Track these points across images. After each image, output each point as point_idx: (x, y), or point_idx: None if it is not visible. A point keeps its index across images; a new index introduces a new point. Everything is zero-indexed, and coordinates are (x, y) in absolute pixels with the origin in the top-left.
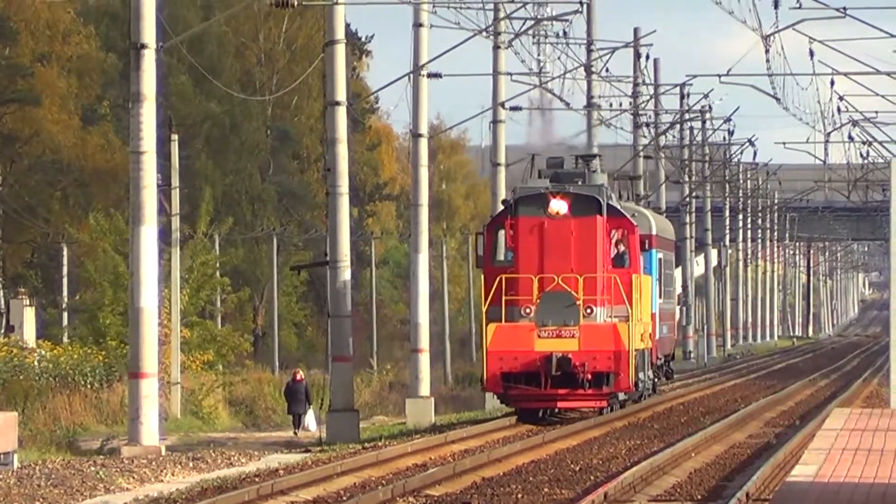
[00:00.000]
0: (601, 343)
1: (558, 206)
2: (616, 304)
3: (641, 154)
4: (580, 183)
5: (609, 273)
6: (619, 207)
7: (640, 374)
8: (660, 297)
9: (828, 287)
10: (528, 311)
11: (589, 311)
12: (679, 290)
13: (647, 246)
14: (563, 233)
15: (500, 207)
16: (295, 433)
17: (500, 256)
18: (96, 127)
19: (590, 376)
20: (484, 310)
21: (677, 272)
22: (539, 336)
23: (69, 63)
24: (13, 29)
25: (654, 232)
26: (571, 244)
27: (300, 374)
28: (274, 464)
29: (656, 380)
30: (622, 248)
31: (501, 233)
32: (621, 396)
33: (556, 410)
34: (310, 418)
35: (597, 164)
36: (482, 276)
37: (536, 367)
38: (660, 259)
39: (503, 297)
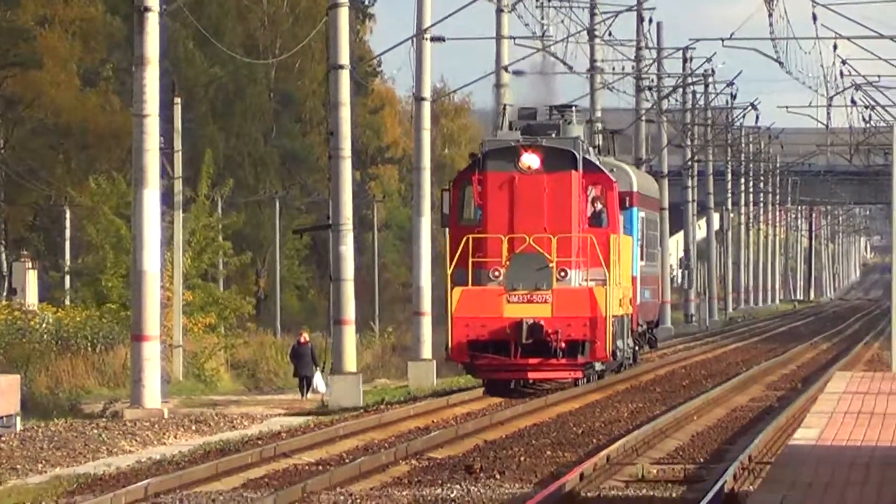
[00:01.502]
0: (576, 309)
1: (530, 160)
2: (592, 266)
3: (644, 118)
4: (554, 135)
5: (585, 233)
6: (596, 162)
7: (619, 343)
8: (641, 259)
9: (829, 251)
10: (496, 273)
11: (563, 274)
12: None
13: (627, 204)
14: (535, 189)
15: None
16: (303, 396)
17: (467, 215)
18: (96, 88)
19: (563, 345)
20: (449, 272)
21: (679, 236)
22: (508, 301)
23: (72, 26)
24: None
25: (635, 189)
26: (544, 201)
27: (305, 336)
28: (276, 427)
29: (637, 348)
30: (599, 205)
31: (469, 189)
32: (598, 367)
33: (528, 382)
34: (318, 380)
35: (573, 115)
36: (447, 236)
37: (506, 335)
38: (642, 218)
39: (470, 259)
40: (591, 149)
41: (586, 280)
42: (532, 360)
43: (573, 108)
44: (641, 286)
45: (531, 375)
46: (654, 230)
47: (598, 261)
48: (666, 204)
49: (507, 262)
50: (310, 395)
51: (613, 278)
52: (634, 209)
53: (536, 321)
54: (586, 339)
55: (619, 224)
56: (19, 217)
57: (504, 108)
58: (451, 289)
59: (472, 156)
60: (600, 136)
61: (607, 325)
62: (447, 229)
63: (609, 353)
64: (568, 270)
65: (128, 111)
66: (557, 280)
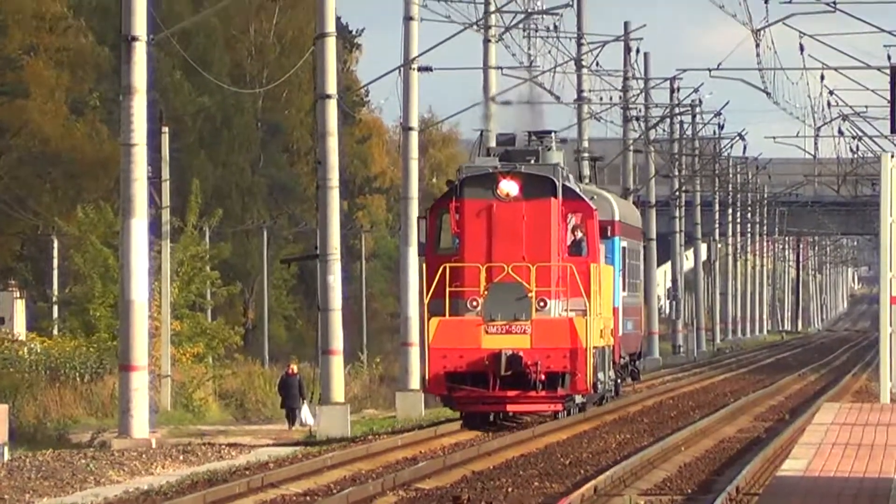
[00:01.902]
0: (556, 340)
1: (508, 187)
2: (573, 296)
3: (631, 148)
4: (533, 162)
5: (565, 262)
6: (576, 189)
7: (600, 375)
8: (623, 289)
9: (817, 281)
10: (474, 303)
11: (542, 304)
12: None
13: (608, 233)
14: (514, 217)
15: None
16: (290, 427)
17: (445, 243)
18: (83, 118)
19: (543, 377)
20: (425, 302)
21: (666, 266)
22: (487, 332)
23: (59, 55)
24: (1, 21)
25: (616, 218)
26: (523, 230)
27: (293, 368)
28: (264, 457)
29: (619, 381)
30: (580, 234)
31: (446, 217)
32: (578, 399)
33: (507, 415)
34: (306, 412)
35: (552, 142)
36: (424, 265)
37: (484, 367)
38: (623, 248)
39: (447, 289)
40: (571, 176)
41: (566, 310)
42: (511, 393)
43: (553, 134)
44: (623, 317)
45: (510, 408)
46: (637, 260)
47: (578, 291)
48: (653, 234)
49: (485, 292)
50: (297, 427)
51: (594, 308)
52: (616, 238)
53: (515, 352)
54: (566, 371)
55: (599, 253)
56: (7, 246)
57: (482, 134)
58: (428, 319)
59: (450, 183)
60: (585, 163)
61: (588, 357)
62: (424, 258)
63: (590, 386)
64: (547, 300)
65: (115, 140)
66: (537, 310)
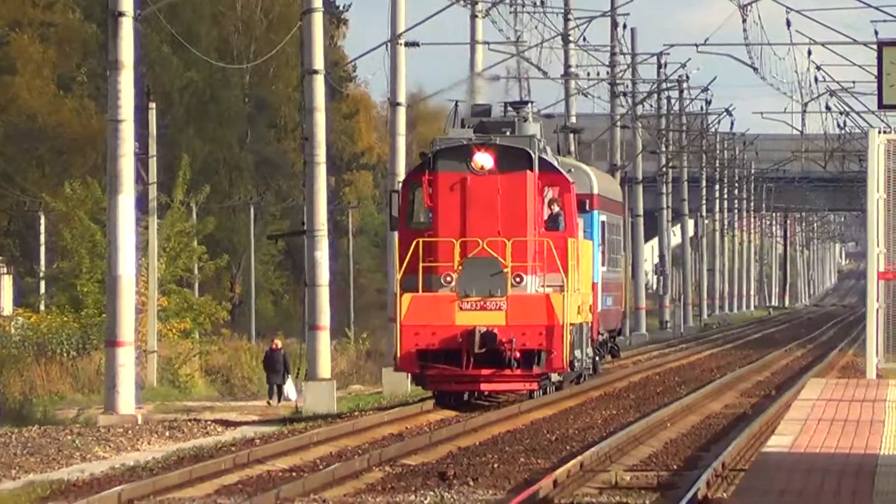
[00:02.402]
0: (531, 316)
1: (483, 159)
2: (549, 271)
3: (618, 124)
4: (508, 133)
5: (541, 237)
6: (553, 162)
7: (577, 352)
8: (603, 264)
9: (804, 257)
10: (448, 279)
11: (518, 279)
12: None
13: (587, 207)
14: (489, 190)
15: None
16: (269, 402)
17: (417, 217)
18: (70, 94)
19: (518, 354)
20: (398, 278)
21: (654, 242)
22: (460, 308)
23: (45, 30)
24: None
25: (595, 191)
26: (498, 203)
27: (278, 343)
28: (250, 433)
29: (598, 358)
30: (557, 208)
31: (419, 191)
32: (554, 378)
33: (482, 394)
34: (289, 388)
35: (529, 112)
36: (396, 240)
37: (457, 344)
38: (603, 222)
39: (420, 264)
40: (548, 148)
41: (543, 286)
42: (485, 371)
43: (529, 105)
44: (603, 293)
45: (484, 387)
46: (617, 234)
47: (555, 266)
48: (641, 210)
49: (459, 268)
50: (281, 402)
51: (571, 284)
52: (595, 212)
53: (490, 329)
54: (542, 349)
55: (577, 227)
56: None
57: (456, 105)
58: (400, 295)
59: (423, 155)
60: (571, 138)
61: (565, 334)
62: (396, 233)
63: (566, 364)
64: (523, 276)
65: (102, 116)
66: (512, 286)
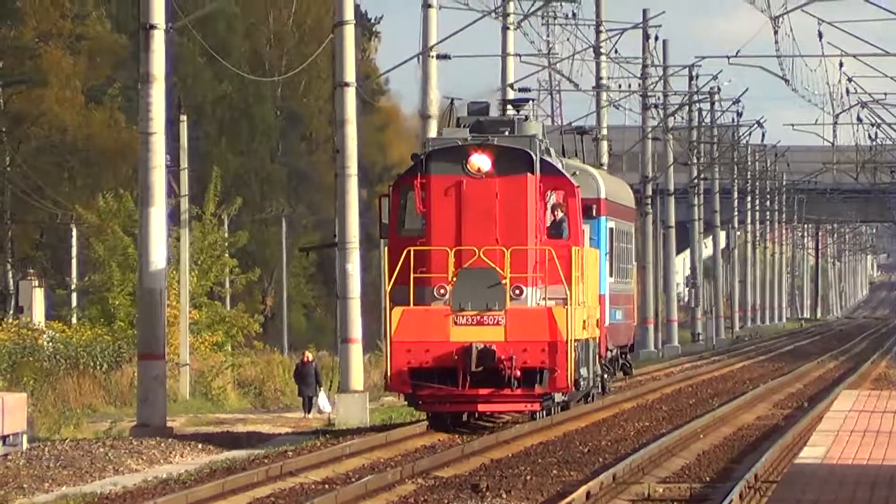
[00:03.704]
0: (532, 332)
1: (479, 161)
2: (552, 283)
3: (650, 136)
4: (508, 133)
5: (543, 245)
6: (556, 164)
7: (583, 371)
8: (611, 275)
9: (836, 269)
10: (442, 291)
11: (517, 292)
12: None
13: (594, 212)
14: (486, 195)
15: None
16: (305, 416)
17: (409, 224)
18: (101, 106)
19: (518, 373)
20: (387, 290)
21: (685, 254)
22: (455, 323)
23: (75, 42)
24: (18, 9)
25: (602, 195)
26: (496, 209)
27: (309, 356)
28: (283, 445)
29: (606, 376)
30: (560, 214)
31: (410, 195)
32: (558, 398)
33: (479, 415)
34: (322, 400)
35: (529, 110)
36: (386, 249)
37: (452, 362)
38: (611, 229)
39: (411, 275)
40: (551, 149)
41: (544, 299)
42: (482, 391)
43: (531, 102)
44: (611, 306)
45: (481, 408)
46: (628, 242)
47: (557, 277)
48: (672, 222)
49: (454, 279)
50: (313, 415)
51: (576, 297)
52: (602, 218)
53: (487, 346)
54: (545, 367)
55: (581, 235)
56: (25, 235)
57: (452, 103)
58: (390, 309)
59: (415, 157)
60: (604, 147)
61: (569, 351)
62: (386, 241)
63: (571, 383)
64: (523, 288)
65: (133, 128)
66: (511, 299)
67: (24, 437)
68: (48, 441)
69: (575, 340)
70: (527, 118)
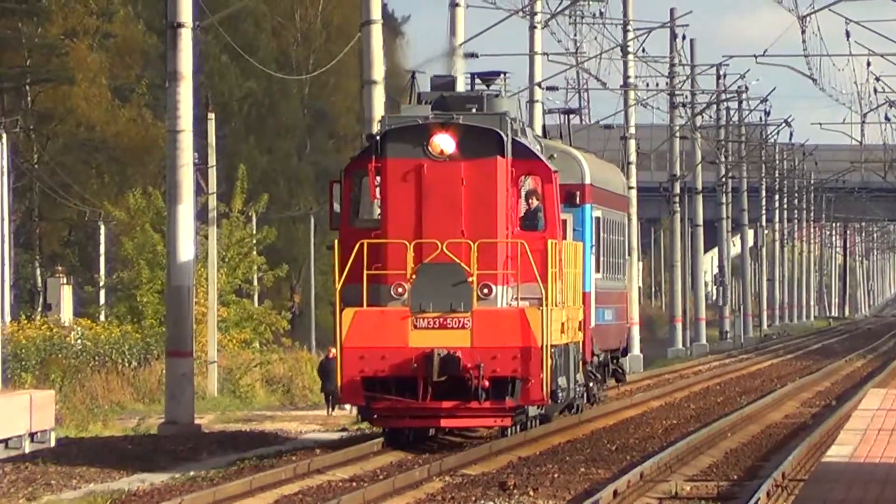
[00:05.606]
0: (503, 337)
1: (442, 142)
2: (525, 281)
3: (678, 134)
4: (475, 111)
5: (515, 238)
6: (531, 146)
7: (561, 380)
8: (597, 270)
9: (864, 268)
10: (399, 290)
11: (486, 291)
12: (716, 269)
13: (577, 200)
14: (450, 180)
15: None
16: (329, 412)
17: (363, 214)
18: (129, 103)
19: (487, 383)
20: (337, 288)
21: (713, 252)
22: (415, 326)
23: (104, 41)
24: (44, 7)
25: (587, 181)
26: (461, 197)
27: (334, 352)
28: (310, 442)
29: (593, 384)
30: (535, 202)
31: (364, 181)
32: (532, 411)
33: (444, 430)
34: None
35: (500, 86)
36: (337, 242)
37: (412, 371)
38: (598, 218)
39: (364, 272)
40: (527, 129)
41: (516, 299)
42: (446, 404)
43: (503, 76)
44: (597, 305)
45: (445, 423)
46: (619, 234)
47: (532, 274)
48: (700, 220)
49: (414, 276)
50: (336, 412)
51: (553, 296)
52: (587, 206)
53: (452, 352)
54: (517, 377)
55: (560, 226)
56: (54, 233)
57: (413, 76)
58: (341, 310)
59: (370, 137)
60: (632, 146)
61: (544, 358)
62: (337, 233)
63: (546, 395)
64: (492, 286)
65: (160, 125)
66: (479, 299)
67: (52, 434)
68: (76, 438)
69: (552, 346)
70: (498, 94)
